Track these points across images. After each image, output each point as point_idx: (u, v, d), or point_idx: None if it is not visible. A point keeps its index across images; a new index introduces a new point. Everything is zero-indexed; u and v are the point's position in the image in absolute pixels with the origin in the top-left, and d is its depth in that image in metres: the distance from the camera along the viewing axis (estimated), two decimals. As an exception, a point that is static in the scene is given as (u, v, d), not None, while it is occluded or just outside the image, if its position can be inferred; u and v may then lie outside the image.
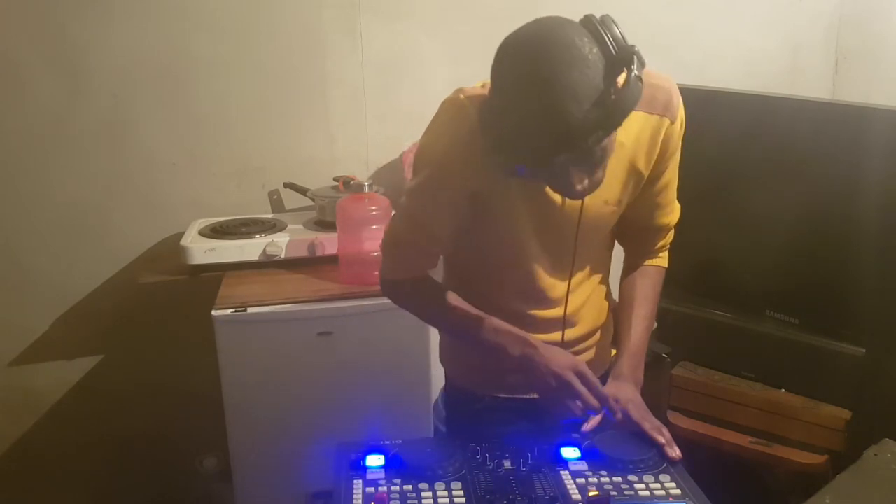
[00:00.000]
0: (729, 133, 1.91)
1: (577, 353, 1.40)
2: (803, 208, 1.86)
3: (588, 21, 1.03)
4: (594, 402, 1.21)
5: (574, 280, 1.35)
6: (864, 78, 2.63)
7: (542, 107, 0.98)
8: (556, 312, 1.36)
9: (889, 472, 1.29)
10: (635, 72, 1.01)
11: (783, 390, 1.91)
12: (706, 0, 2.54)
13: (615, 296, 1.47)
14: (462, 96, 1.18)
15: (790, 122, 1.89)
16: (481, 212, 1.25)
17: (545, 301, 1.35)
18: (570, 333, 1.38)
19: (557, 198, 1.23)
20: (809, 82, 2.68)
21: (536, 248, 1.30)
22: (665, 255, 1.43)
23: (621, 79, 1.01)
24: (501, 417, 1.41)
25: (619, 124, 1.02)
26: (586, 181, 1.10)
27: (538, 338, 1.32)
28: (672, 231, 1.42)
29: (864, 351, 1.80)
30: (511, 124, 1.02)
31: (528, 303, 1.35)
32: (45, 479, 2.36)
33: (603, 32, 1.01)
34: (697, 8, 2.53)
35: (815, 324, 1.88)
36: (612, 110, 1.00)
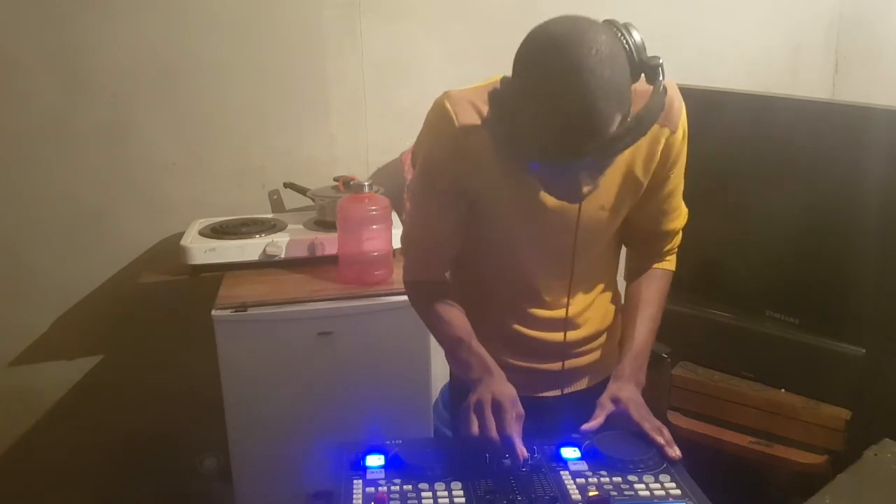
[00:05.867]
0: (729, 133, 1.91)
1: (580, 355, 1.41)
2: (803, 208, 1.86)
3: (610, 25, 1.03)
4: (490, 433, 1.17)
5: (575, 284, 1.35)
6: (864, 78, 2.64)
7: (577, 105, 0.97)
8: (558, 314, 1.36)
9: (889, 472, 1.29)
10: (663, 83, 1.02)
11: (783, 390, 1.90)
12: (706, 0, 2.54)
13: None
14: (445, 99, 1.20)
15: (790, 122, 1.89)
16: (475, 211, 1.27)
17: (546, 302, 1.36)
18: (573, 335, 1.39)
19: (551, 202, 1.23)
20: (809, 82, 2.68)
21: (533, 251, 1.31)
22: (672, 258, 1.43)
23: (643, 86, 1.02)
24: None
25: (646, 132, 1.02)
26: (590, 182, 1.09)
27: (540, 336, 1.36)
28: (679, 234, 1.41)
29: (864, 351, 1.79)
30: (536, 118, 1.00)
31: (530, 302, 1.36)
32: (45, 479, 2.36)
33: (625, 38, 1.02)
34: (697, 8, 2.53)
35: (815, 324, 1.88)
36: (640, 117, 1.00)
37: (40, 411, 2.33)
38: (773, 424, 1.86)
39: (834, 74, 2.72)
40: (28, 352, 2.29)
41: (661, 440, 1.22)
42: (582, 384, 1.44)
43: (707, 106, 1.79)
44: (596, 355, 1.43)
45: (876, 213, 1.73)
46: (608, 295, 1.43)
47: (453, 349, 1.32)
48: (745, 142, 1.91)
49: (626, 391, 1.30)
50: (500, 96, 1.06)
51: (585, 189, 1.09)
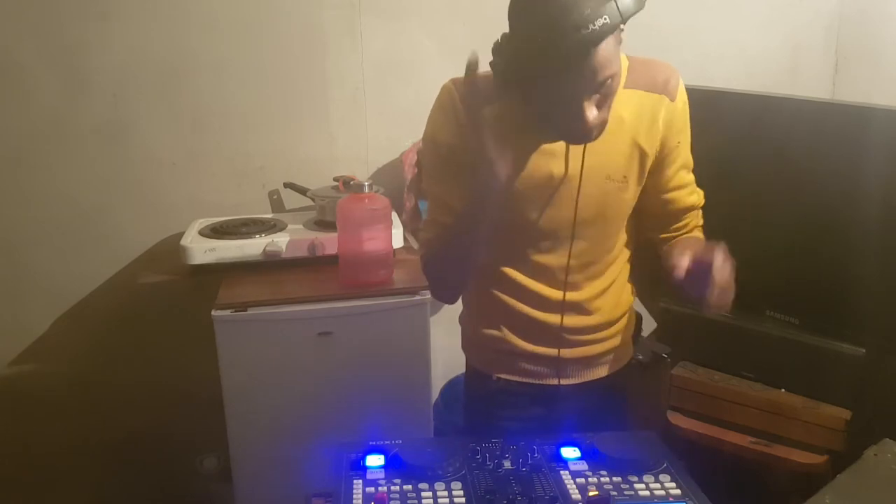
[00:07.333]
0: (729, 133, 1.91)
1: (577, 344, 1.41)
2: (803, 208, 1.86)
3: None
4: None
5: (575, 262, 1.35)
6: (864, 78, 2.63)
7: (561, 7, 1.02)
8: (556, 294, 1.37)
9: (889, 472, 1.29)
10: None
11: (783, 390, 1.90)
12: (706, 0, 2.54)
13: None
14: (450, 82, 1.27)
15: (790, 122, 1.89)
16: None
17: (544, 278, 1.36)
18: (571, 320, 1.39)
19: (555, 170, 1.26)
20: (809, 82, 2.68)
21: (534, 221, 1.31)
22: (700, 234, 1.42)
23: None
24: (514, 401, 1.44)
25: (625, 20, 1.05)
26: (595, 112, 1.12)
27: (536, 316, 1.38)
28: (700, 213, 1.42)
29: (864, 351, 1.80)
30: (529, 33, 1.06)
31: (528, 276, 1.37)
32: (45, 478, 2.36)
33: None
34: (697, 8, 2.53)
35: (815, 324, 1.88)
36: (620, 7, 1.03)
37: (40, 411, 2.33)
38: (773, 424, 1.86)
39: (834, 74, 2.72)
40: (28, 352, 2.29)
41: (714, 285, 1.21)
42: (580, 377, 1.44)
43: (707, 106, 1.78)
44: (595, 349, 1.43)
45: (876, 212, 1.73)
46: (615, 290, 1.42)
47: (471, 212, 1.27)
48: (745, 142, 1.91)
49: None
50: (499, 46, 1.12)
51: (593, 118, 1.12)
